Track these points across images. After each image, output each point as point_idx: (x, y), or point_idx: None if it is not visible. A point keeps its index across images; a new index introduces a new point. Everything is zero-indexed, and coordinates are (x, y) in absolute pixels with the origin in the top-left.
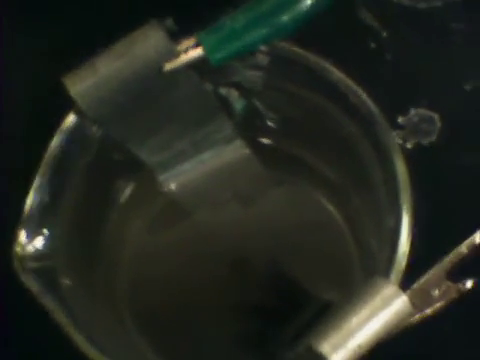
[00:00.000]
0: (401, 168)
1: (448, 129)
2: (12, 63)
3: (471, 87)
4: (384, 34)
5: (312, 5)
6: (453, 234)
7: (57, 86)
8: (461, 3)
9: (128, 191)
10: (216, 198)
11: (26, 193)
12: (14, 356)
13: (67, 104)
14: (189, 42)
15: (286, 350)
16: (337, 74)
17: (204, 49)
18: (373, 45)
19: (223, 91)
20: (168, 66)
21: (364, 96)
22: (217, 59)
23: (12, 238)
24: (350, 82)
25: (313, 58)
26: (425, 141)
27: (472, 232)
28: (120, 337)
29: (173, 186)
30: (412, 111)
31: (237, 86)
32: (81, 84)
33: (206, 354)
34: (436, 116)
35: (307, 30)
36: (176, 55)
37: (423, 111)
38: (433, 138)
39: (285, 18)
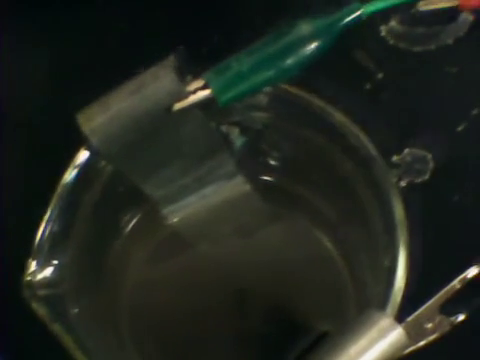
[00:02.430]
0: (398, 208)
1: (440, 168)
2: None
3: (463, 128)
4: (379, 75)
5: (316, 48)
6: (444, 270)
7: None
8: (454, 47)
9: (133, 223)
10: (217, 232)
11: (29, 222)
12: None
13: (69, 133)
14: (197, 83)
15: None
16: (337, 116)
17: (212, 90)
18: (368, 86)
19: (224, 128)
20: (177, 106)
21: (364, 138)
22: (224, 100)
23: (20, 266)
24: (350, 124)
25: (314, 100)
26: (418, 180)
27: (462, 268)
28: None
29: (176, 219)
30: (406, 150)
31: (237, 124)
32: (93, 121)
33: None
34: (429, 156)
35: (303, 70)
36: (185, 95)
37: (416, 151)
38: (426, 177)
39: (290, 61)
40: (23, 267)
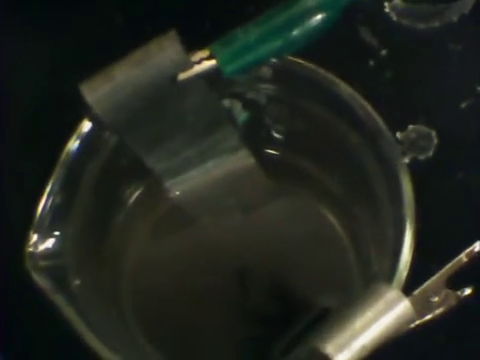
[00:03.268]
0: (406, 181)
1: (444, 145)
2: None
3: (466, 105)
4: (383, 52)
5: (322, 21)
6: (448, 246)
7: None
8: (458, 24)
9: (135, 195)
10: (219, 206)
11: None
12: (21, 354)
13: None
14: (203, 53)
15: (285, 354)
16: (344, 88)
17: (218, 61)
18: (372, 63)
19: (226, 103)
20: (182, 76)
21: (371, 111)
22: (230, 71)
23: (22, 238)
24: (357, 96)
25: (321, 72)
26: (422, 156)
27: (467, 244)
28: (124, 337)
29: (178, 192)
30: (410, 127)
31: (240, 98)
32: (98, 91)
33: (207, 356)
34: (433, 132)
35: (307, 47)
36: (190, 65)
37: (420, 127)
38: (430, 154)
39: (296, 33)
40: (20, 250)
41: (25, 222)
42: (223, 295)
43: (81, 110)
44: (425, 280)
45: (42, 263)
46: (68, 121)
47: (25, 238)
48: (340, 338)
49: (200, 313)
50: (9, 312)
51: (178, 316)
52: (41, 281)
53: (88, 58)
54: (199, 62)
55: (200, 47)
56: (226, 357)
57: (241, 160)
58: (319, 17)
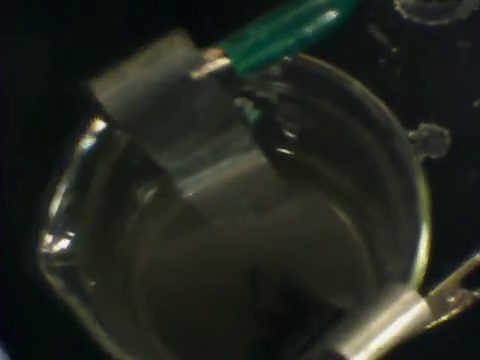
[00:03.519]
0: (420, 180)
1: (457, 144)
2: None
3: (479, 103)
4: (393, 50)
5: (334, 18)
6: (461, 246)
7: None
8: (467, 22)
9: (148, 196)
10: (232, 206)
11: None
12: (23, 352)
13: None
14: (215, 51)
15: (298, 356)
16: (357, 86)
17: (230, 59)
18: (382, 61)
19: (237, 102)
20: (194, 74)
21: (384, 108)
22: (242, 69)
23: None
24: (370, 94)
25: (333, 69)
26: (434, 156)
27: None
28: (137, 338)
29: (191, 193)
30: (422, 126)
31: (251, 96)
32: (109, 89)
33: (219, 357)
34: (446, 131)
35: (317, 45)
36: (202, 64)
37: (433, 126)
38: (443, 153)
39: (308, 30)
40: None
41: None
42: (235, 295)
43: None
44: (437, 280)
45: (56, 264)
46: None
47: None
48: (357, 339)
49: (212, 314)
50: (9, 311)
51: (190, 317)
52: (55, 282)
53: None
54: (211, 60)
55: (201, 46)
56: (238, 357)
57: (253, 159)
58: (331, 14)
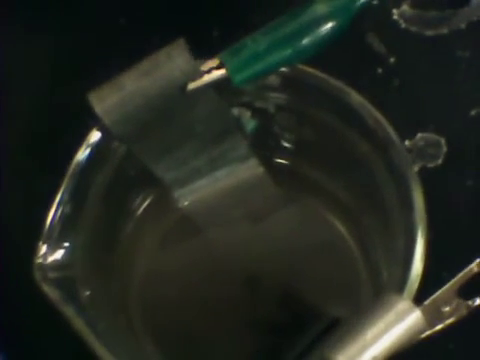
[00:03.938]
0: (417, 190)
1: (454, 153)
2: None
3: (476, 112)
4: (391, 60)
5: (332, 29)
6: (458, 255)
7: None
8: (466, 31)
9: (144, 206)
10: (229, 215)
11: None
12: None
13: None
14: (212, 63)
15: None
16: (355, 96)
17: (227, 70)
18: (380, 70)
19: (235, 112)
20: (192, 85)
21: (381, 119)
22: (239, 80)
23: (23, 242)
24: (367, 104)
25: (331, 80)
26: (431, 164)
27: (476, 252)
28: (133, 347)
29: (187, 202)
30: (419, 135)
31: (249, 106)
32: (106, 101)
33: None
34: (442, 140)
35: (315, 55)
36: (199, 75)
37: (429, 135)
38: (439, 162)
39: (306, 41)
40: (20, 254)
41: (26, 227)
42: (232, 305)
43: (83, 114)
44: (434, 289)
45: (51, 274)
46: (70, 124)
47: (25, 243)
48: (351, 349)
49: (209, 324)
50: (11, 316)
51: (187, 327)
52: (50, 292)
53: (90, 61)
54: (208, 71)
55: (204, 51)
56: None
57: (250, 169)
58: (329, 25)
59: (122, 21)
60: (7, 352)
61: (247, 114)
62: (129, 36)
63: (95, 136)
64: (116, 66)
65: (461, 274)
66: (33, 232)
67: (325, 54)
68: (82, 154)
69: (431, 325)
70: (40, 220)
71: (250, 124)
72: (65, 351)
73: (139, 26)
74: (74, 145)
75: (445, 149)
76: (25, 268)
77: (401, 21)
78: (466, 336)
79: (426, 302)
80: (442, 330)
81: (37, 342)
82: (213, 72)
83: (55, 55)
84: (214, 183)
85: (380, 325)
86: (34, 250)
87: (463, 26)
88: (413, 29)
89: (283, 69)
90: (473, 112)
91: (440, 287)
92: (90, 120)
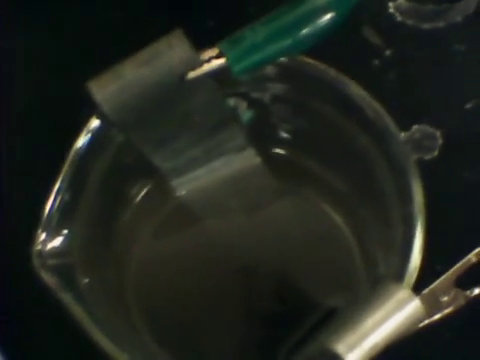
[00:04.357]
0: (416, 182)
1: (449, 145)
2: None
3: (472, 105)
4: (387, 52)
5: (331, 20)
6: (453, 246)
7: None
8: (462, 24)
9: (141, 194)
10: (225, 206)
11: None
12: (26, 351)
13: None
14: (212, 52)
15: (291, 355)
16: (353, 87)
17: (226, 59)
18: (376, 63)
19: (231, 102)
20: (191, 75)
21: (381, 110)
22: (239, 70)
23: (24, 235)
24: (367, 95)
25: (331, 71)
26: (427, 157)
27: (472, 244)
28: (130, 336)
29: (184, 192)
30: (414, 127)
31: (245, 97)
32: (106, 89)
33: (212, 357)
34: (438, 133)
35: (312, 46)
36: (199, 64)
37: (425, 127)
38: (435, 154)
39: (305, 32)
40: (22, 248)
41: (28, 219)
42: (228, 295)
43: (83, 107)
44: (428, 281)
45: (50, 262)
46: (70, 117)
47: (26, 235)
48: (351, 337)
49: (205, 313)
50: (12, 310)
51: (183, 316)
52: (49, 279)
53: (89, 55)
54: (208, 61)
55: (199, 42)
56: (231, 357)
57: (247, 159)
58: (328, 16)
59: (117, 13)
60: (4, 344)
61: (243, 105)
62: (124, 27)
63: (94, 123)
64: (112, 58)
65: (459, 264)
66: (29, 222)
67: (322, 46)
68: (80, 142)
69: (429, 314)
70: (37, 210)
71: (246, 114)
72: (63, 341)
73: (134, 17)
74: (72, 136)
75: (441, 141)
76: (22, 257)
77: (397, 14)
78: (464, 325)
79: (424, 292)
80: (440, 319)
81: (35, 334)
82: (212, 61)
83: (54, 52)
84: (211, 173)
85: (380, 313)
86: (31, 239)
87: (459, 19)
88: (409, 22)
89: (282, 59)
90: (469, 105)
91: (434, 279)
92: (85, 109)
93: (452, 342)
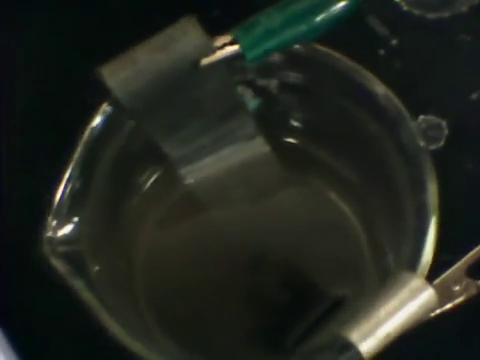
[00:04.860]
0: (430, 171)
1: (455, 135)
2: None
3: (477, 95)
4: (393, 42)
5: (345, 7)
6: (459, 236)
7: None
8: (467, 15)
9: (150, 181)
10: (234, 193)
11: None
12: (34, 338)
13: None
14: (225, 38)
15: (298, 344)
16: (367, 75)
17: (240, 46)
18: (382, 52)
19: (239, 89)
20: (205, 61)
21: (393, 97)
22: (252, 56)
23: (28, 235)
24: (380, 83)
25: (344, 59)
26: (433, 147)
27: (478, 234)
28: (137, 324)
29: (192, 180)
30: (420, 118)
31: (251, 85)
32: (119, 74)
33: (219, 346)
34: (443, 123)
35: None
36: (212, 51)
37: (431, 118)
38: (440, 144)
39: (320, 18)
40: (26, 234)
41: (28, 219)
42: (235, 284)
43: (88, 96)
44: (435, 271)
45: (61, 248)
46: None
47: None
48: (365, 326)
49: (212, 302)
50: (12, 310)
51: (190, 305)
52: (60, 266)
53: (89, 55)
54: (221, 47)
55: (204, 31)
56: (238, 345)
57: (257, 148)
58: (341, 3)
59: (118, 13)
60: (10, 328)
61: (249, 92)
62: (130, 16)
63: (103, 112)
64: (112, 58)
65: (470, 254)
66: (29, 222)
67: (327, 36)
68: (90, 130)
69: (441, 304)
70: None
71: (253, 102)
72: (70, 327)
73: (140, 6)
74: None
75: (446, 132)
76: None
77: (403, 4)
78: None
79: (436, 281)
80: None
81: (35, 334)
82: (226, 48)
83: (60, 43)
84: (220, 161)
85: (394, 302)
86: (31, 239)
87: (465, 9)
88: (415, 12)
89: (295, 47)
90: (474, 95)
91: (441, 269)
92: (90, 98)
93: (453, 339)
